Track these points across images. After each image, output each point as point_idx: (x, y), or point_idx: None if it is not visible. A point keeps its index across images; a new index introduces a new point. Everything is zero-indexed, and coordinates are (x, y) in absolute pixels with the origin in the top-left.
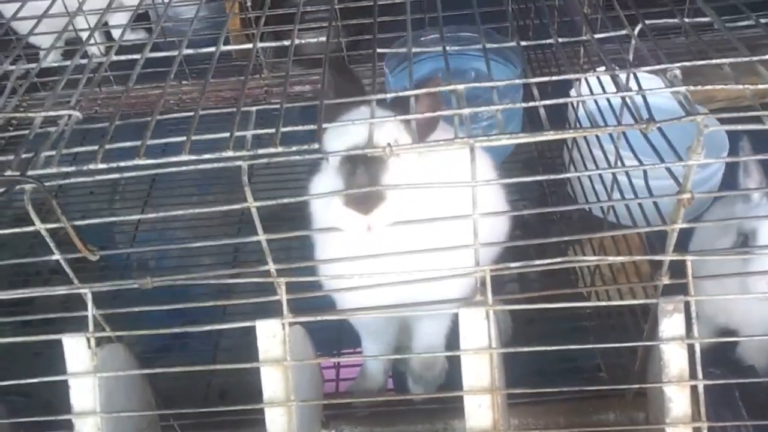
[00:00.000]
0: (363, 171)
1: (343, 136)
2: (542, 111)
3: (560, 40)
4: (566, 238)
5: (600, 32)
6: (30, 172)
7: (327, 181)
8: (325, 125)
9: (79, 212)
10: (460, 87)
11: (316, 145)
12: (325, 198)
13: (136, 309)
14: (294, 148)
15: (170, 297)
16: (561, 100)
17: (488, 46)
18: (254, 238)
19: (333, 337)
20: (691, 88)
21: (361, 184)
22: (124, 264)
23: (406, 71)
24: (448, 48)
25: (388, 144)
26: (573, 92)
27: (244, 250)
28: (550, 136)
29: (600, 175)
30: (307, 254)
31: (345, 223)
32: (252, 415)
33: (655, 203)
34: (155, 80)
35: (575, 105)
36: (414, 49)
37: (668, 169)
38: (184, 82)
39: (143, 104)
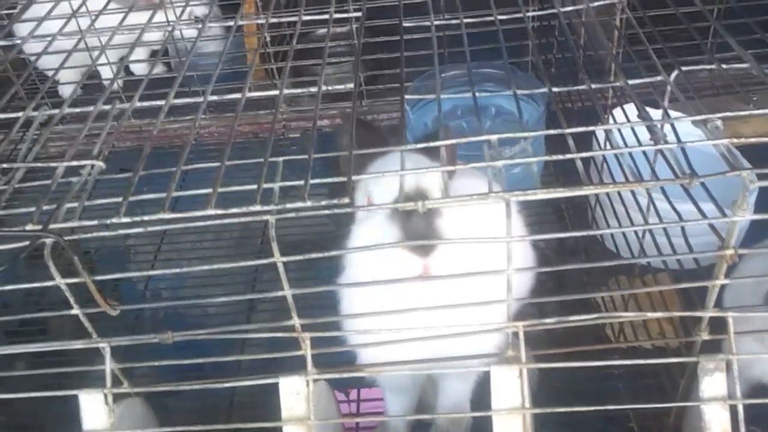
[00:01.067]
0: (419, 216)
1: (383, 185)
2: (579, 163)
3: (593, 85)
4: (602, 294)
5: (625, 66)
6: (51, 226)
7: (374, 229)
8: (355, 177)
9: (93, 245)
10: (494, 137)
11: (347, 199)
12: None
13: (156, 363)
14: (323, 203)
15: (181, 344)
16: (594, 153)
17: (519, 92)
18: (280, 293)
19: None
20: (735, 141)
21: (417, 229)
22: (139, 296)
23: (427, 107)
24: (466, 84)
25: (421, 198)
26: (600, 130)
27: (260, 280)
28: (588, 191)
29: (629, 217)
30: (324, 304)
31: (402, 269)
32: None
33: (688, 244)
34: (173, 114)
35: (602, 143)
36: (443, 96)
37: (712, 227)
38: (201, 116)
39: (161, 138)
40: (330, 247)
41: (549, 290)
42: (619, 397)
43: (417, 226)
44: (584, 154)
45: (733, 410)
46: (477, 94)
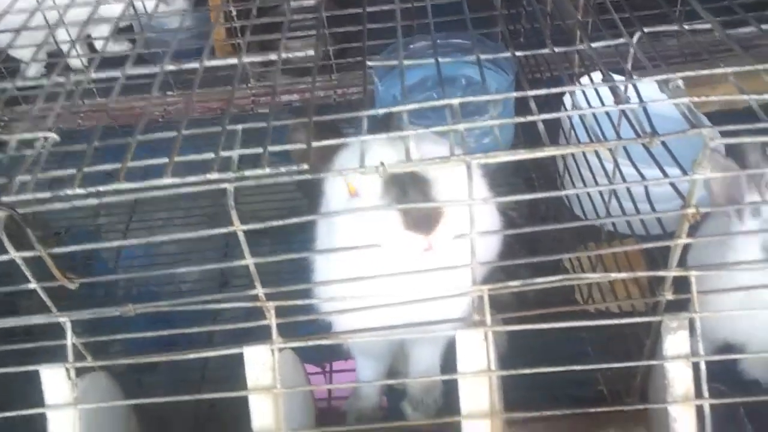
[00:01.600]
0: (416, 191)
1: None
2: (540, 126)
3: (556, 49)
4: (563, 256)
5: (593, 36)
6: (3, 199)
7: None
8: (316, 143)
9: (63, 225)
10: (455, 101)
11: (305, 166)
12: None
13: (119, 337)
14: (283, 170)
15: (153, 319)
16: (557, 114)
17: (482, 57)
18: (242, 262)
19: (324, 348)
20: (695, 99)
21: (417, 204)
22: (111, 274)
23: (396, 79)
24: (415, 61)
25: (381, 163)
26: (567, 99)
27: (231, 255)
28: (551, 152)
29: (596, 182)
30: (296, 275)
31: (406, 246)
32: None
33: (653, 208)
34: (140, 91)
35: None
36: (405, 62)
37: (673, 186)
38: (169, 93)
39: (128, 116)
40: (299, 224)
41: (525, 266)
42: (587, 361)
43: (415, 201)
44: (546, 116)
45: (697, 369)
46: (445, 64)
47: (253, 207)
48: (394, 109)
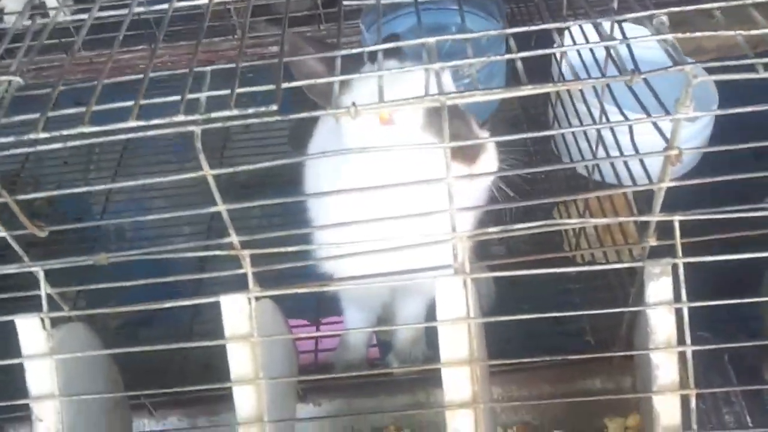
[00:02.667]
0: (459, 122)
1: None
2: (519, 63)
3: None
4: (549, 200)
5: None
6: None
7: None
8: (286, 84)
9: (54, 183)
10: (431, 40)
11: (274, 106)
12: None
13: (93, 287)
14: (251, 110)
15: (146, 271)
16: (540, 52)
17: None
18: (214, 209)
19: (312, 305)
20: (679, 35)
21: (461, 135)
22: (101, 235)
23: (385, 27)
24: (427, 3)
25: (353, 103)
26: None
27: (220, 218)
28: (528, 90)
29: (584, 132)
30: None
31: (452, 177)
32: (227, 390)
33: (641, 161)
34: (125, 45)
35: (558, 58)
36: (384, 1)
37: (655, 125)
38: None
39: (112, 69)
40: (293, 176)
41: (516, 217)
42: (574, 310)
43: (461, 132)
44: (529, 53)
45: (680, 315)
46: (435, 12)
47: (241, 161)
48: (368, 49)
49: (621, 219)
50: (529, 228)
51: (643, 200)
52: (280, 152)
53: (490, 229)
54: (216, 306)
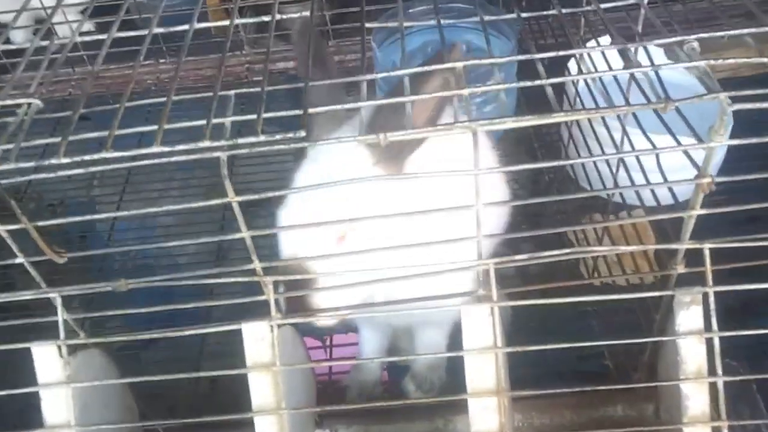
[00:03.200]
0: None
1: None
2: (549, 90)
3: (563, 10)
4: (575, 228)
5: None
6: None
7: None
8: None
9: (56, 198)
10: (459, 65)
11: (303, 132)
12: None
13: (112, 313)
14: (278, 137)
15: (151, 294)
16: (566, 78)
17: (486, 18)
18: (238, 235)
19: None
20: (712, 62)
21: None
22: (103, 255)
23: (395, 45)
24: (416, 23)
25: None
26: (572, 65)
27: (229, 228)
28: (559, 118)
29: (603, 152)
30: None
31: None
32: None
33: (665, 178)
34: (132, 59)
35: (575, 79)
36: (405, 24)
37: (687, 154)
38: (161, 60)
39: (119, 84)
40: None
41: (530, 241)
42: (593, 335)
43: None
44: (554, 80)
45: (710, 345)
46: (446, 28)
47: (247, 177)
48: (394, 74)
49: (650, 247)
50: (557, 255)
51: (664, 221)
52: (285, 168)
53: (518, 257)
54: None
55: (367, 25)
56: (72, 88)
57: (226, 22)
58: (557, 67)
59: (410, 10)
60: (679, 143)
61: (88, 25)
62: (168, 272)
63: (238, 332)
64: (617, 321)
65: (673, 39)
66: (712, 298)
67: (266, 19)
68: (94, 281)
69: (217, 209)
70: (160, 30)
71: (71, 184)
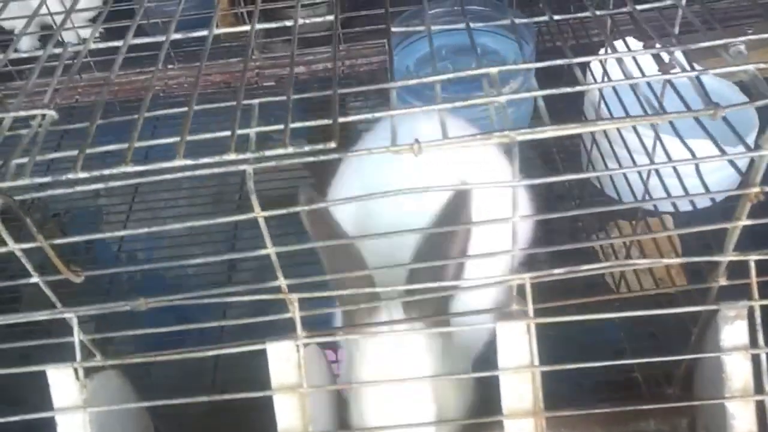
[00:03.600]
0: None
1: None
2: (597, 94)
3: (597, 12)
4: (618, 239)
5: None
6: None
7: None
8: (343, 119)
9: (62, 207)
10: (494, 70)
11: (333, 144)
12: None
13: (131, 333)
14: (307, 148)
15: (161, 308)
16: (602, 85)
17: (504, 23)
18: (263, 251)
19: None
20: (762, 65)
21: None
22: (113, 260)
23: (409, 49)
24: (455, 24)
25: (416, 140)
26: (595, 68)
27: (240, 237)
28: (604, 125)
29: (633, 162)
30: (313, 262)
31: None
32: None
33: (704, 184)
34: (139, 65)
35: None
36: (433, 27)
37: (732, 163)
38: (170, 66)
39: (128, 91)
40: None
41: (539, 239)
42: (620, 346)
43: None
44: (592, 86)
45: (757, 361)
46: (462, 32)
47: (257, 187)
48: (426, 80)
49: (694, 259)
50: (596, 269)
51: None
52: (292, 177)
53: (555, 270)
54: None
55: (393, 29)
56: (78, 95)
57: (244, 28)
58: (581, 69)
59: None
60: (723, 152)
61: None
62: (177, 285)
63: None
64: (644, 332)
65: (718, 42)
66: (758, 312)
67: (288, 23)
68: (103, 296)
69: (229, 210)
70: (178, 36)
71: (77, 194)
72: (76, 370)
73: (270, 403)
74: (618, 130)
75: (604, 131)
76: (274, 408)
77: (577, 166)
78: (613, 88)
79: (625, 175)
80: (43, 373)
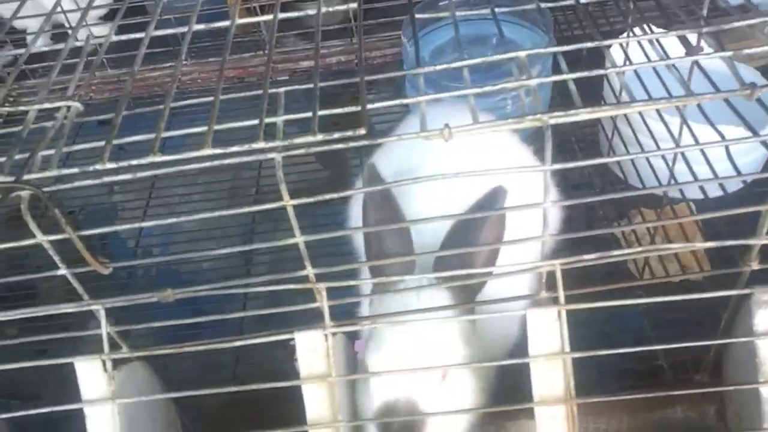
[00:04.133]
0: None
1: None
2: (621, 79)
3: None
4: (654, 224)
5: None
6: (26, 176)
7: None
8: (371, 105)
9: (77, 204)
10: (522, 54)
11: (363, 130)
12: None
13: (156, 324)
14: (336, 135)
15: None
16: (627, 68)
17: (543, 4)
18: (291, 240)
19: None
20: None
21: None
22: (130, 254)
23: (424, 40)
24: (467, 12)
25: (446, 125)
26: (616, 52)
27: (257, 231)
28: (638, 107)
29: (657, 144)
30: (336, 253)
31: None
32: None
33: (735, 167)
34: (152, 62)
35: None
36: (458, 13)
37: (764, 143)
38: (183, 62)
39: (140, 88)
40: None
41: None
42: (643, 334)
43: None
44: (628, 67)
45: None
46: (477, 22)
47: (272, 180)
48: (455, 65)
49: (726, 243)
50: (625, 255)
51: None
52: (309, 169)
53: (586, 256)
54: (258, 328)
55: (418, 16)
56: (93, 92)
57: (266, 17)
58: (595, 56)
59: (440, 3)
60: (755, 133)
61: (105, 29)
62: (193, 277)
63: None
64: (668, 319)
65: (747, 22)
66: None
67: (311, 12)
68: (120, 291)
69: (246, 201)
70: (200, 26)
71: (93, 191)
72: (104, 362)
73: (292, 394)
74: (642, 117)
75: (626, 118)
76: (296, 399)
77: (596, 154)
78: (636, 73)
79: (649, 161)
80: (59, 368)
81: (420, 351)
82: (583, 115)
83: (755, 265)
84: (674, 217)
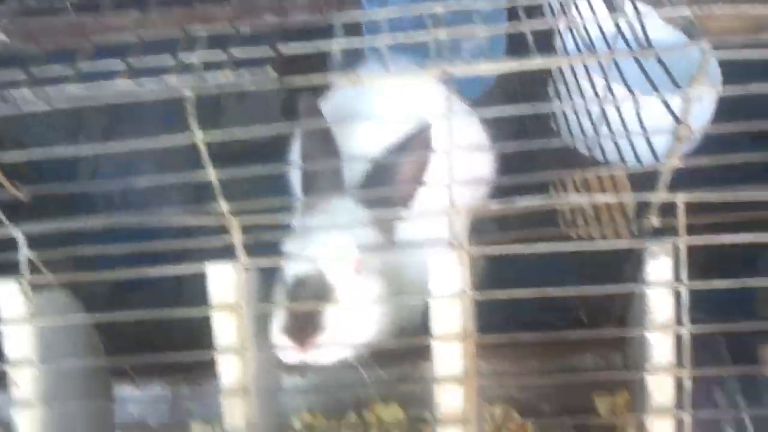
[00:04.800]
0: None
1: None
2: (530, 36)
3: None
4: (556, 176)
5: None
6: None
7: None
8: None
9: (41, 147)
10: (439, 8)
11: (274, 73)
12: None
13: (79, 253)
14: (248, 75)
15: (130, 238)
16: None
17: None
18: (204, 176)
19: None
20: (698, 11)
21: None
22: (88, 203)
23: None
24: None
25: (356, 72)
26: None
27: (210, 187)
28: (538, 63)
29: (587, 110)
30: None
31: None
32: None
33: (647, 138)
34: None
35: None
36: None
37: (665, 102)
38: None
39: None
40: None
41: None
42: (564, 284)
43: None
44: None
45: (678, 296)
46: None
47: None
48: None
49: (624, 198)
50: (530, 203)
51: (645, 176)
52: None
53: (492, 205)
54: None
55: None
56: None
57: None
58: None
59: None
60: (656, 88)
61: None
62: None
63: None
64: (590, 272)
65: None
66: (683, 250)
67: None
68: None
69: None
70: None
71: (55, 135)
72: (21, 284)
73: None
74: (575, 78)
75: (565, 84)
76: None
77: (543, 118)
78: (574, 41)
79: (579, 122)
80: None
81: (336, 239)
82: (484, 67)
83: (654, 221)
84: (600, 182)
